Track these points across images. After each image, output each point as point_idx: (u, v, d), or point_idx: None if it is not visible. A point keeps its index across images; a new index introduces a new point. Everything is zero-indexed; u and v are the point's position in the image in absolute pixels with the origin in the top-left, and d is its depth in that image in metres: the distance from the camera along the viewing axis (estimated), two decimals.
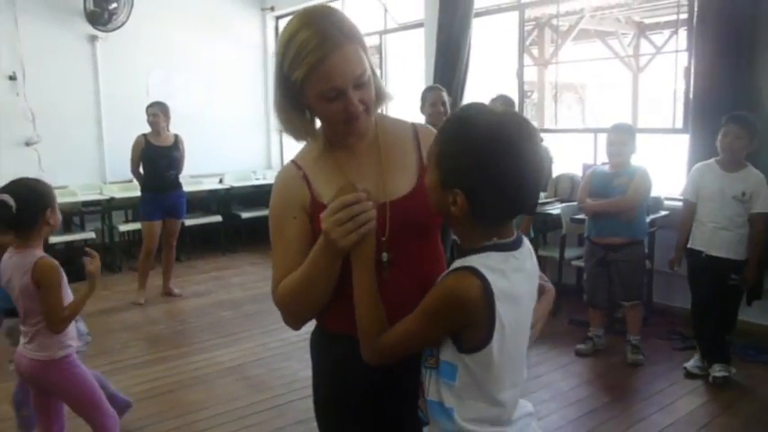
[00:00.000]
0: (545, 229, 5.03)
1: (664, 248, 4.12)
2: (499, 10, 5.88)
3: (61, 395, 2.40)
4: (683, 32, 5.34)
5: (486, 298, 1.07)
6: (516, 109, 5.04)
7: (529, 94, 8.78)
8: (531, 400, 1.48)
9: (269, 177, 7.43)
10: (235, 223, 7.14)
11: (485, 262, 1.10)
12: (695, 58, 4.29)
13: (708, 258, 3.46)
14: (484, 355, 1.10)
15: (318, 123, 1.35)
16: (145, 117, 5.17)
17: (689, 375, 3.57)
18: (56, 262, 2.29)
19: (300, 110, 1.31)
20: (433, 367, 1.17)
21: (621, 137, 3.77)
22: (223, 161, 7.37)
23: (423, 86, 4.50)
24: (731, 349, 3.55)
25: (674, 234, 3.77)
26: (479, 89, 5.84)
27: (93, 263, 2.31)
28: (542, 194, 4.74)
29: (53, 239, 5.55)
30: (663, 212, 4.40)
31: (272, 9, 7.81)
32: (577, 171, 5.14)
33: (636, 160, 3.81)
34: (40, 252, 2.30)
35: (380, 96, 1.34)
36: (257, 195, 7.11)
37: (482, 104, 1.17)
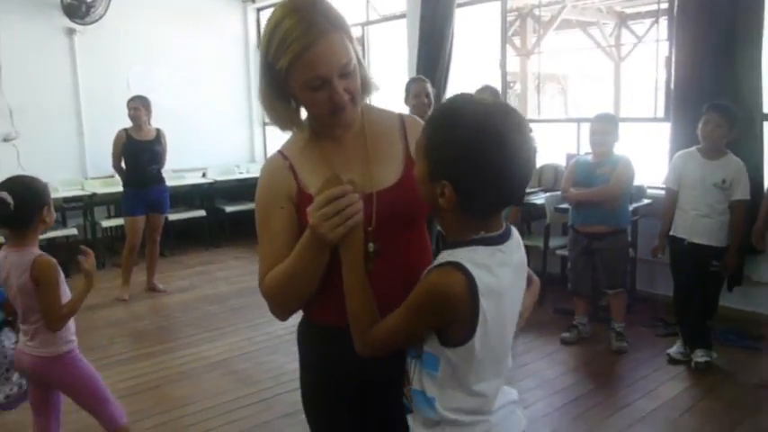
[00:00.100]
0: (529, 219, 5.06)
1: (647, 237, 4.16)
2: (481, 0, 5.87)
3: (66, 390, 2.40)
4: (663, 22, 5.39)
5: (470, 294, 1.07)
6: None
7: (511, 84, 8.80)
8: (518, 388, 1.48)
9: (252, 171, 7.37)
10: (219, 217, 7.08)
11: (471, 256, 1.09)
12: (676, 48, 4.32)
13: (690, 246, 3.50)
14: (466, 349, 1.10)
15: (305, 114, 1.34)
16: (126, 111, 5.12)
17: (672, 361, 3.62)
18: (54, 260, 2.27)
19: (286, 99, 1.30)
20: (417, 357, 1.17)
21: (604, 126, 3.79)
22: (206, 155, 7.29)
23: (406, 78, 4.51)
24: (713, 335, 3.60)
25: (656, 222, 3.81)
26: (463, 80, 5.84)
27: (88, 261, 2.30)
28: None
29: None
30: (645, 201, 4.45)
31: (254, 1, 7.73)
32: (561, 161, 5.18)
33: (618, 149, 3.83)
34: (37, 250, 2.28)
35: (366, 86, 1.33)
36: (241, 189, 7.06)
37: (470, 95, 1.16)
